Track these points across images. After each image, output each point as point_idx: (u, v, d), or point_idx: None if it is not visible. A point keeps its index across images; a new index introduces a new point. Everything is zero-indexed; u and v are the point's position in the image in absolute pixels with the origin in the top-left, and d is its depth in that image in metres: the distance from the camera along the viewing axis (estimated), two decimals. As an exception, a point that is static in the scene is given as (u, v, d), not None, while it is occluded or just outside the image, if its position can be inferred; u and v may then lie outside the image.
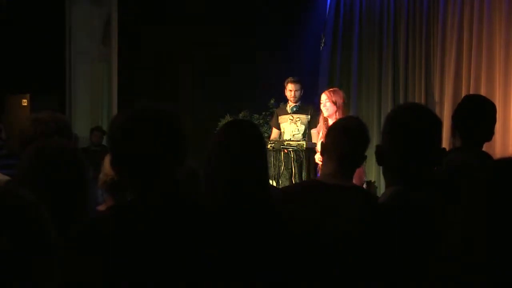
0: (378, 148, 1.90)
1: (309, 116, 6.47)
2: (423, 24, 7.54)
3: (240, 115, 6.76)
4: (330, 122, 5.51)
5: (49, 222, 1.27)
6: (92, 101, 9.16)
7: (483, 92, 6.68)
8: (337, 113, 5.53)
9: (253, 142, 2.37)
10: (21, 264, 1.19)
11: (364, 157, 2.67)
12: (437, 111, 7.23)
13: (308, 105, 6.80)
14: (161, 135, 1.73)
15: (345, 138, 2.60)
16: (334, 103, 5.55)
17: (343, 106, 5.60)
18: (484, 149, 3.07)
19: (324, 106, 5.62)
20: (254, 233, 2.19)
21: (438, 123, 1.91)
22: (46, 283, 1.24)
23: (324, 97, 5.65)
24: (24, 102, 8.24)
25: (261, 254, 2.17)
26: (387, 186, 1.90)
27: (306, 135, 6.41)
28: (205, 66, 7.45)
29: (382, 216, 1.81)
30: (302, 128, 6.42)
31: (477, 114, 3.03)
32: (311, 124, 6.45)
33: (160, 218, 1.72)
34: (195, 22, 7.53)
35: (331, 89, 5.82)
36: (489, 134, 3.05)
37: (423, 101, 7.47)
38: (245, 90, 7.31)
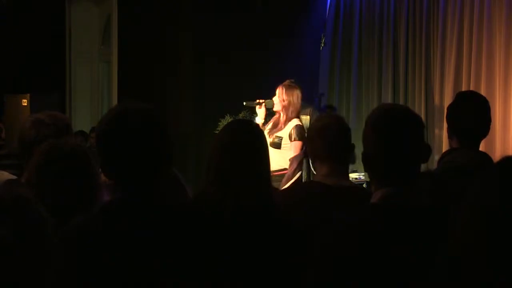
0: (363, 155, 1.90)
1: (309, 117, 6.48)
2: (423, 24, 7.53)
3: (240, 115, 6.75)
4: (281, 117, 5.41)
5: (47, 221, 1.27)
6: (92, 101, 9.17)
7: (483, 92, 6.66)
8: (286, 111, 5.35)
9: (254, 142, 2.37)
10: (16, 261, 1.19)
11: (352, 147, 2.67)
12: (437, 111, 7.24)
13: (308, 106, 6.81)
14: (145, 135, 1.73)
15: (332, 139, 2.61)
16: (282, 101, 5.38)
17: (294, 106, 5.37)
18: (484, 149, 3.07)
19: (275, 100, 5.44)
20: (255, 233, 2.18)
21: (417, 121, 1.91)
22: (40, 280, 1.24)
23: (277, 91, 5.44)
24: (24, 102, 8.24)
25: (261, 254, 2.17)
26: (375, 190, 1.89)
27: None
28: (205, 66, 7.44)
29: (381, 216, 1.80)
30: None
31: (470, 113, 3.01)
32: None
33: (149, 218, 1.72)
34: (195, 22, 7.52)
35: (288, 84, 5.48)
36: (485, 131, 3.04)
37: (423, 101, 7.46)
38: (245, 90, 7.30)
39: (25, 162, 2.65)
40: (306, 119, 6.46)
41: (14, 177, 2.92)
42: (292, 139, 5.30)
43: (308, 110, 6.56)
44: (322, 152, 2.63)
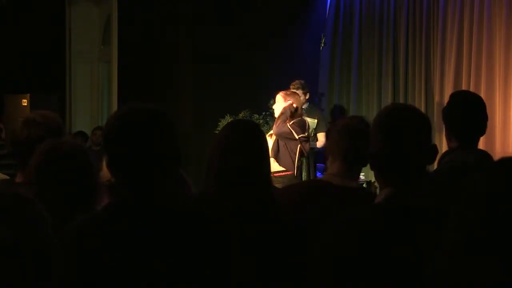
0: (369, 154, 1.90)
1: (316, 121, 6.52)
2: (423, 24, 7.53)
3: (240, 115, 6.76)
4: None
5: (47, 221, 1.27)
6: (92, 101, 9.16)
7: (483, 92, 6.67)
8: (291, 115, 5.44)
9: (254, 142, 2.37)
10: (16, 261, 1.19)
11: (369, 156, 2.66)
12: (437, 111, 7.23)
13: (316, 109, 6.87)
14: (149, 137, 1.73)
15: (347, 138, 2.59)
16: (290, 105, 5.47)
17: (298, 110, 5.50)
18: (484, 148, 3.07)
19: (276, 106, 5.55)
20: (255, 233, 2.18)
21: (422, 122, 1.91)
22: (40, 280, 1.24)
23: (278, 98, 5.56)
24: (24, 102, 8.24)
25: (261, 254, 2.17)
26: (381, 188, 1.90)
27: (312, 139, 6.46)
28: (205, 66, 7.44)
29: (381, 216, 1.81)
30: None
31: (466, 112, 3.01)
32: (318, 129, 6.51)
33: (149, 218, 1.72)
34: (195, 22, 7.52)
35: (288, 91, 5.70)
36: (482, 129, 3.04)
37: (423, 101, 7.46)
38: (245, 90, 7.30)
39: (18, 162, 2.65)
40: (314, 122, 6.51)
41: (7, 177, 2.91)
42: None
43: (317, 114, 6.62)
44: (337, 150, 2.61)
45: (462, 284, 1.22)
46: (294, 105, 5.49)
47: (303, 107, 6.50)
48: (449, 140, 3.03)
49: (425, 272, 1.37)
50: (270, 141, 5.29)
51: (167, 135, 1.77)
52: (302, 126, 5.46)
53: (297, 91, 6.13)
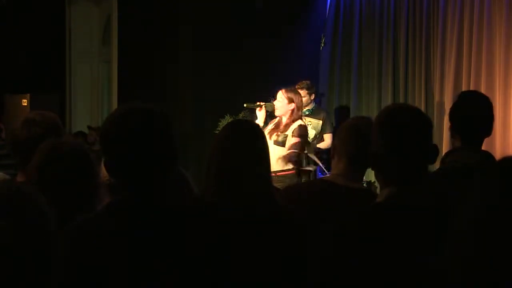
0: (369, 153, 1.90)
1: (321, 121, 6.52)
2: (423, 24, 7.53)
3: (240, 115, 6.76)
4: (285, 119, 5.48)
5: (48, 218, 1.28)
6: (92, 101, 9.17)
7: (483, 92, 6.65)
8: (292, 114, 5.43)
9: (255, 142, 2.37)
10: (16, 261, 1.19)
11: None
12: (437, 111, 7.23)
13: (321, 110, 6.87)
14: (146, 136, 1.73)
15: (354, 139, 2.59)
16: (289, 103, 5.45)
17: (299, 109, 5.49)
18: (484, 148, 3.06)
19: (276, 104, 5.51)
20: (255, 233, 2.18)
21: (423, 122, 1.91)
22: (43, 277, 1.24)
23: (279, 96, 5.50)
24: (24, 102, 8.25)
25: (261, 254, 2.17)
26: (381, 188, 1.90)
27: (317, 139, 6.48)
28: (205, 66, 7.44)
29: (381, 215, 1.80)
30: (312, 132, 6.42)
31: (474, 112, 3.01)
32: (323, 130, 6.51)
33: (149, 218, 1.72)
34: (195, 23, 7.52)
35: (291, 88, 5.64)
36: (488, 130, 3.04)
37: (423, 101, 7.46)
38: (245, 90, 7.30)
39: (18, 162, 2.65)
40: (318, 123, 6.51)
41: (8, 177, 2.92)
42: (291, 136, 5.37)
43: (322, 114, 6.62)
44: (343, 150, 2.61)
45: (466, 284, 1.22)
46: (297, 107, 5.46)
47: (308, 107, 6.51)
48: (453, 138, 3.03)
49: (428, 272, 1.37)
50: (269, 141, 5.28)
51: (167, 135, 1.77)
52: (303, 131, 5.47)
53: (301, 91, 6.12)
